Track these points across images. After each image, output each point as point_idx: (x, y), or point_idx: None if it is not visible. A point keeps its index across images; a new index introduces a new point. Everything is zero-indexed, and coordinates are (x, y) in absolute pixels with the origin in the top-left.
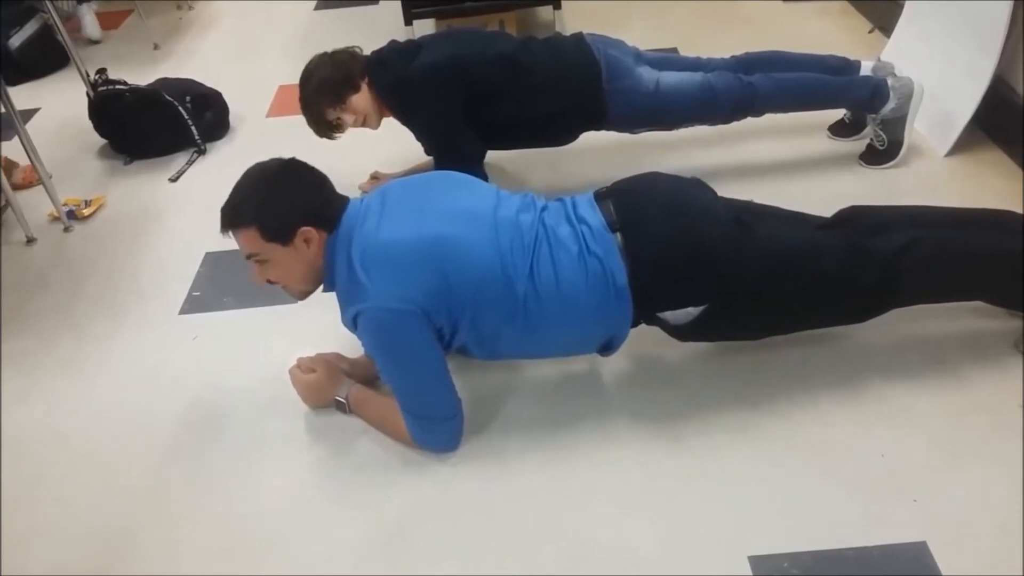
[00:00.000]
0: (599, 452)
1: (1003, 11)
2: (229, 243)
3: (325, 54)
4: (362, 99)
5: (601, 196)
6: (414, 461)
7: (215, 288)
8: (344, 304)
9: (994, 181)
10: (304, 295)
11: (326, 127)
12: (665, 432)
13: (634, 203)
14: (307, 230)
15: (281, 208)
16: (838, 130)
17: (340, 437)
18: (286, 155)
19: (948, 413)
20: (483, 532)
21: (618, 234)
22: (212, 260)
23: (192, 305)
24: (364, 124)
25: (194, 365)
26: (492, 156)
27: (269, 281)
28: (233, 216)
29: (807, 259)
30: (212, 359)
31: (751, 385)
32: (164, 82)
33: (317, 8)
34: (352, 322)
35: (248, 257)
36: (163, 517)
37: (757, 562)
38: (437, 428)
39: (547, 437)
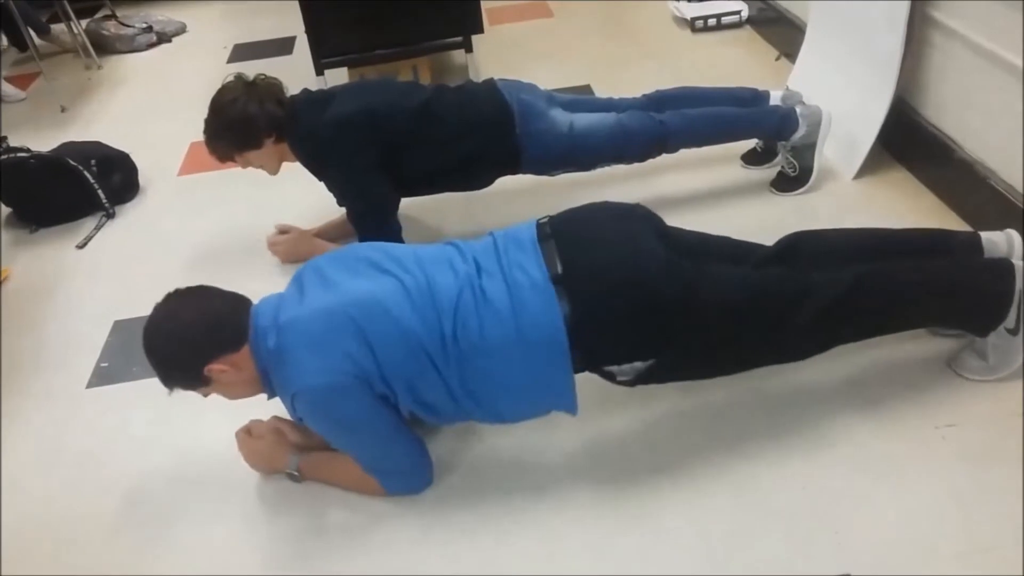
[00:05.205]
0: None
1: (898, 33)
2: (139, 309)
3: (242, 86)
4: (261, 155)
5: (545, 236)
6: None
7: (125, 357)
8: (282, 394)
9: (902, 200)
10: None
11: (223, 159)
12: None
13: (579, 251)
14: (212, 368)
15: (179, 363)
16: (751, 159)
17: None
18: (199, 215)
19: (866, 440)
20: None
21: (561, 286)
22: (121, 328)
23: (100, 377)
24: (261, 168)
25: (104, 442)
26: (405, 203)
27: None
28: (158, 376)
29: (752, 303)
30: (123, 433)
31: (674, 424)
32: (68, 146)
33: (230, 61)
34: (292, 408)
35: None
36: None
37: None
38: (406, 475)
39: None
